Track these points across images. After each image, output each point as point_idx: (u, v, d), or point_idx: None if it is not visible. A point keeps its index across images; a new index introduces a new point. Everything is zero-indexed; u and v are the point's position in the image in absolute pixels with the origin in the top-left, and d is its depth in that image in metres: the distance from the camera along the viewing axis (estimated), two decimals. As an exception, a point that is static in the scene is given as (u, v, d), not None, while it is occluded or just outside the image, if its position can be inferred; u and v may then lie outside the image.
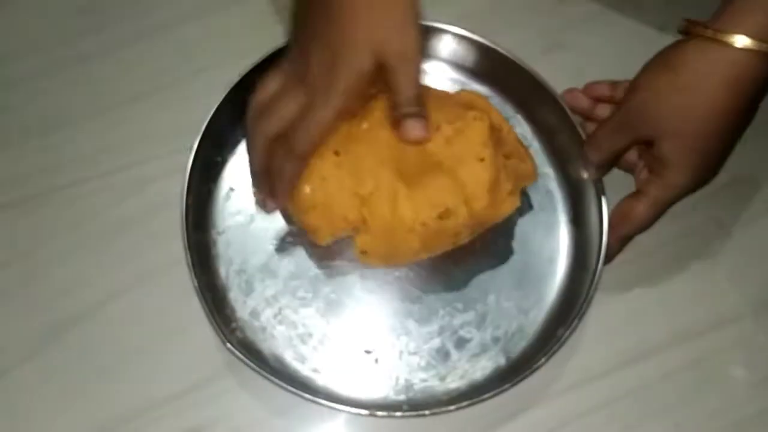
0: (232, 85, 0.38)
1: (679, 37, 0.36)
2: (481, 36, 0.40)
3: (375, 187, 0.34)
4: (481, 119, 0.35)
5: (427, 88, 0.38)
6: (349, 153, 0.35)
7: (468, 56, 0.41)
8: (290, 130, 0.34)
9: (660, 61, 0.35)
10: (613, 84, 0.39)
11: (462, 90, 0.38)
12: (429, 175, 0.35)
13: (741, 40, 0.33)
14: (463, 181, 0.34)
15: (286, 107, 0.35)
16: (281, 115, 0.35)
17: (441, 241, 0.36)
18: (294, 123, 0.34)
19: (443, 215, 0.34)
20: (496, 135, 0.36)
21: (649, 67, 0.36)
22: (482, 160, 0.34)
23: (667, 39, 0.36)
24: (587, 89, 0.40)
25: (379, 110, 0.35)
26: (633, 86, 0.36)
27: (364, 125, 0.35)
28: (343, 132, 0.35)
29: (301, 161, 0.35)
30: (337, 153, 0.35)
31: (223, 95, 0.38)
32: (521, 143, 0.38)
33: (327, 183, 0.35)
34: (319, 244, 0.36)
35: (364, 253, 0.35)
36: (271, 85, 0.36)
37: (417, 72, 0.34)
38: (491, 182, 0.34)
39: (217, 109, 0.38)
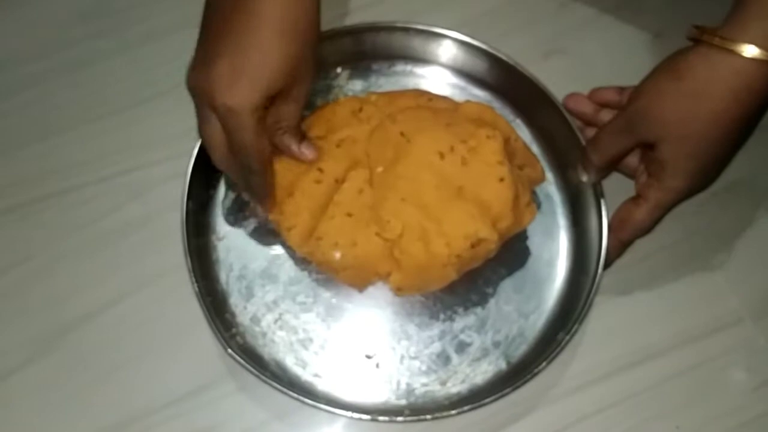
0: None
1: (682, 43, 0.36)
2: (481, 41, 0.41)
3: (403, 227, 0.35)
4: (494, 137, 0.35)
5: (433, 100, 0.38)
6: (364, 207, 0.35)
7: (468, 62, 0.42)
8: (231, 152, 0.34)
9: (666, 67, 0.35)
10: (620, 89, 0.39)
11: (467, 101, 0.38)
12: (453, 203, 0.34)
13: (749, 50, 0.33)
14: (487, 204, 0.34)
15: (211, 137, 0.34)
16: (213, 146, 0.34)
17: (473, 263, 0.36)
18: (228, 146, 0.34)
19: (475, 244, 0.34)
20: (508, 148, 0.36)
21: (655, 72, 0.36)
22: (502, 179, 0.34)
23: (666, 44, 0.37)
24: (593, 94, 0.40)
25: (390, 152, 0.35)
26: (638, 90, 0.36)
27: (379, 169, 0.36)
28: (354, 189, 0.36)
29: (261, 174, 0.34)
30: (349, 215, 0.35)
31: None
32: (527, 147, 0.38)
33: (357, 247, 0.35)
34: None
35: (399, 289, 0.36)
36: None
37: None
38: (513, 200, 0.35)
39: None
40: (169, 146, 0.40)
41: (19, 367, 0.36)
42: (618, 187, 0.38)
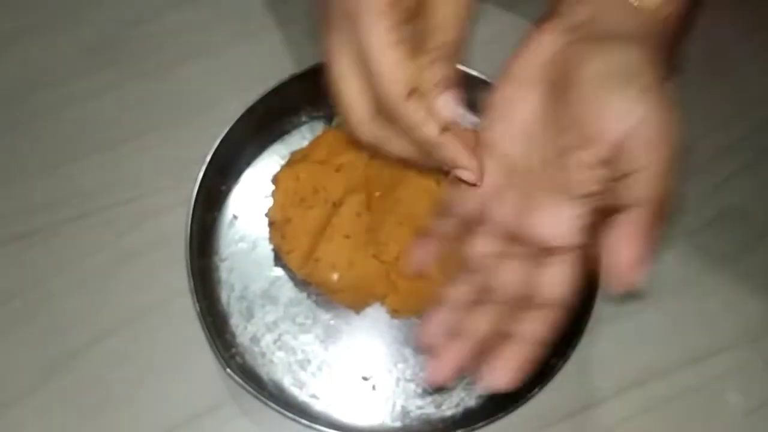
0: (237, 117, 0.40)
1: None
2: (478, 71, 0.41)
3: (399, 250, 0.35)
4: None
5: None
6: (361, 230, 0.36)
7: (465, 90, 0.42)
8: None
9: None
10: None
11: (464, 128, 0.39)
12: None
13: None
14: None
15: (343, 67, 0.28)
16: (346, 86, 0.28)
17: None
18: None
19: None
20: None
21: None
22: None
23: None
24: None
25: (389, 177, 0.36)
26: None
27: (377, 193, 0.37)
28: (351, 212, 0.36)
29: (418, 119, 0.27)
30: (347, 237, 0.36)
31: (228, 127, 0.39)
32: None
33: (354, 269, 0.35)
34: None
35: (395, 311, 0.36)
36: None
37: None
38: None
39: (222, 141, 0.39)
40: (175, 174, 0.41)
41: (23, 396, 0.37)
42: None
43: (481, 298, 0.30)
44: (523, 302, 0.30)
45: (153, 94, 0.44)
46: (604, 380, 0.37)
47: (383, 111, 0.29)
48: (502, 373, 0.28)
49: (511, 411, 0.35)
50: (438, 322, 0.30)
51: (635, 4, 0.30)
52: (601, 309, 0.37)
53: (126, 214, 0.41)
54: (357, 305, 0.37)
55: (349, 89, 0.29)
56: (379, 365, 0.37)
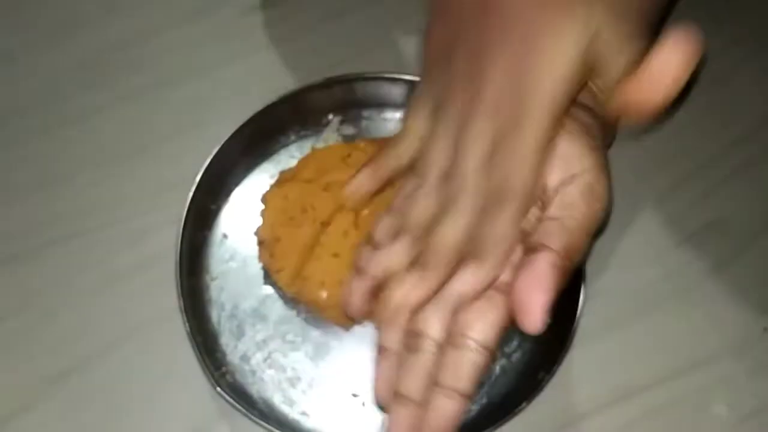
0: (226, 136, 0.40)
1: None
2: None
3: None
4: None
5: None
6: (349, 249, 0.36)
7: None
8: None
9: None
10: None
11: None
12: None
13: None
14: None
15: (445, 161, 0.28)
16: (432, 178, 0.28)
17: None
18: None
19: None
20: None
21: None
22: None
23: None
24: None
25: (376, 196, 0.36)
26: None
27: (364, 212, 0.37)
28: (339, 231, 0.37)
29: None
30: (335, 255, 0.36)
31: (218, 147, 0.40)
32: None
33: (343, 286, 0.35)
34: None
35: None
36: (413, 133, 0.30)
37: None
38: None
39: (212, 160, 0.39)
40: (165, 193, 0.41)
41: (14, 415, 0.37)
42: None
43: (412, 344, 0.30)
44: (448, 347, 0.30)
45: (142, 114, 0.44)
46: (591, 394, 0.38)
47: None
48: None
49: (500, 425, 0.35)
50: (384, 378, 0.31)
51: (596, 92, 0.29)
52: (586, 323, 0.37)
53: (116, 234, 0.41)
54: (346, 322, 0.38)
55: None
56: (368, 382, 0.37)
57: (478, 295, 0.29)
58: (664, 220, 0.42)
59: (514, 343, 0.38)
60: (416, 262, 0.30)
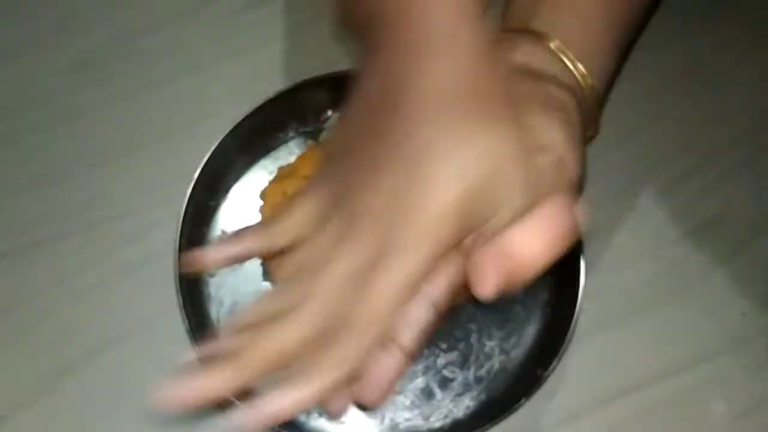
0: (225, 133, 0.40)
1: None
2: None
3: None
4: None
5: None
6: None
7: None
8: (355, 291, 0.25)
9: None
10: None
11: None
12: None
13: None
14: None
15: (339, 261, 0.26)
16: (333, 274, 0.26)
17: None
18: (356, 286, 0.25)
19: None
20: None
21: None
22: None
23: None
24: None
25: None
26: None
27: None
28: None
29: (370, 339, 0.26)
30: None
31: (216, 143, 0.40)
32: None
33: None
34: None
35: None
36: (297, 216, 0.28)
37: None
38: None
39: (211, 157, 0.39)
40: (164, 190, 0.41)
41: (14, 412, 0.37)
42: (598, 225, 0.39)
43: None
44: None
45: (140, 111, 0.44)
46: (590, 390, 0.38)
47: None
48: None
49: (499, 422, 0.35)
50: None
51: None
52: (584, 319, 0.37)
53: (115, 231, 0.41)
54: None
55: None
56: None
57: (291, 415, 0.27)
58: (663, 217, 0.42)
59: (513, 340, 0.39)
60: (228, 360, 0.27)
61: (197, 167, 0.39)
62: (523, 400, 0.35)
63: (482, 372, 0.38)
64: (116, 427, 0.37)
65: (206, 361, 0.28)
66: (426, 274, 0.26)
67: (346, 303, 0.26)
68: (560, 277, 0.39)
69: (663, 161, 0.42)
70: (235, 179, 0.42)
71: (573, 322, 0.37)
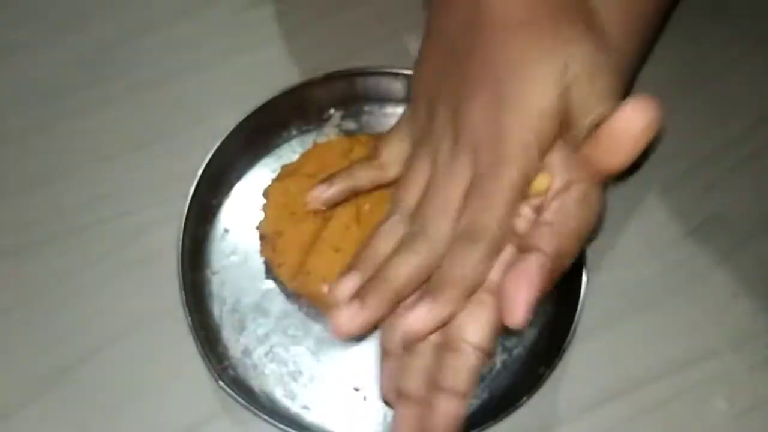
0: (228, 131, 0.40)
1: None
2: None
3: None
4: None
5: None
6: (351, 243, 0.36)
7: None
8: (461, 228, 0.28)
9: None
10: None
11: None
12: None
13: None
14: None
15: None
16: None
17: None
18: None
19: None
20: None
21: None
22: None
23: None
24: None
25: (377, 190, 0.37)
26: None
27: (366, 206, 0.37)
28: (341, 225, 0.37)
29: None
30: (337, 250, 0.37)
31: (219, 141, 0.40)
32: None
33: None
34: None
35: None
36: (400, 147, 0.30)
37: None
38: None
39: (214, 155, 0.39)
40: (167, 188, 0.41)
41: (18, 408, 0.37)
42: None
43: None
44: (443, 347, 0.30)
45: (144, 108, 0.44)
46: (592, 388, 0.38)
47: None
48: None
49: (501, 419, 0.35)
50: (389, 378, 0.32)
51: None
52: (587, 317, 0.38)
53: (118, 229, 0.41)
54: None
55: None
56: (369, 376, 0.38)
57: (431, 331, 0.29)
58: (664, 215, 0.42)
59: (515, 338, 0.39)
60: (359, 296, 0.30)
61: (200, 165, 0.39)
62: (525, 398, 0.35)
63: (484, 369, 0.38)
64: (116, 427, 0.37)
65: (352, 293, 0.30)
66: (535, 173, 0.27)
67: (465, 218, 0.28)
68: (562, 276, 0.40)
69: (664, 160, 0.43)
70: (238, 177, 0.42)
71: (575, 320, 0.37)
